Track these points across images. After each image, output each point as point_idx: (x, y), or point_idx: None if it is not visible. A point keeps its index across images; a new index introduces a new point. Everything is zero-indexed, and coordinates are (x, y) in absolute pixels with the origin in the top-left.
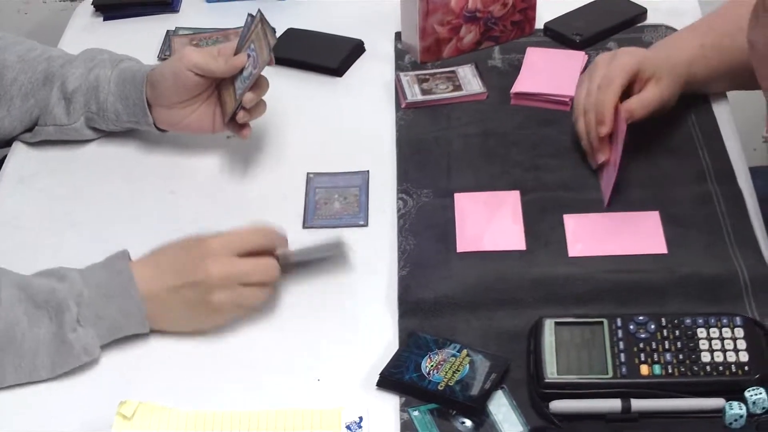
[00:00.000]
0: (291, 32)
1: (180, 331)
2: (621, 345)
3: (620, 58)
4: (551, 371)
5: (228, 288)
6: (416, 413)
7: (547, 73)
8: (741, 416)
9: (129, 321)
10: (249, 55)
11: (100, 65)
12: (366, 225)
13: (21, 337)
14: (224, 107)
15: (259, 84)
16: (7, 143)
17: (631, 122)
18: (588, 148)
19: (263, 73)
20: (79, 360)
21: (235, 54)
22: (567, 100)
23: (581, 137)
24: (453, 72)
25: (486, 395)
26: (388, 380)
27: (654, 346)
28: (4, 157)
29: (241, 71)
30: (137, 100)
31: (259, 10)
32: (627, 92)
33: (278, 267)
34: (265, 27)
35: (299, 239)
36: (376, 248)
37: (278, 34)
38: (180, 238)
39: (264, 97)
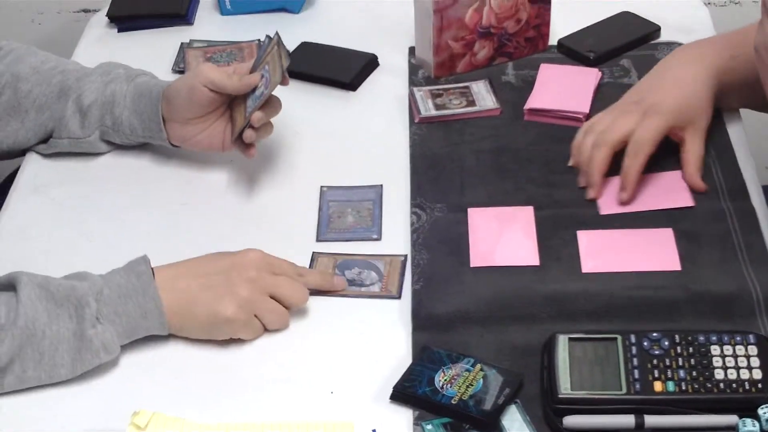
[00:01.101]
0: (305, 46)
1: (197, 334)
2: (635, 361)
3: (651, 118)
4: (565, 387)
5: (255, 290)
6: (429, 427)
7: (560, 89)
8: None
9: (147, 320)
10: (263, 76)
11: (116, 80)
12: (379, 239)
13: (41, 335)
14: (234, 126)
15: (270, 104)
16: (21, 153)
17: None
18: (581, 168)
19: (276, 91)
20: (99, 358)
21: (250, 73)
22: (581, 116)
23: (577, 152)
24: (467, 87)
25: (500, 410)
26: (402, 394)
27: (668, 362)
28: (18, 167)
29: (254, 90)
30: (152, 116)
31: (276, 33)
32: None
33: (308, 293)
34: (281, 49)
35: (315, 250)
36: None
37: (292, 48)
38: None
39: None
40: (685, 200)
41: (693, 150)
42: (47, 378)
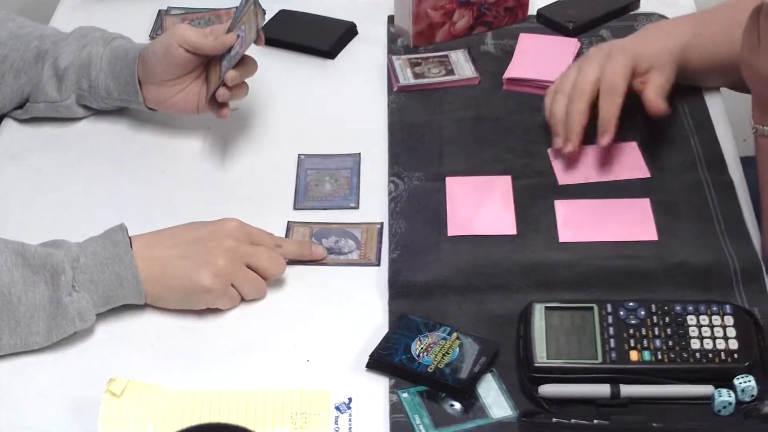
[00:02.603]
0: (283, 14)
1: (174, 304)
2: (611, 330)
3: (615, 58)
4: (541, 356)
5: (232, 259)
6: (405, 395)
7: (539, 59)
8: (730, 403)
9: (124, 288)
10: (239, 36)
11: (92, 43)
12: (357, 207)
13: (17, 301)
14: (209, 87)
15: (245, 64)
16: None
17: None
18: (557, 129)
19: (254, 55)
20: (74, 325)
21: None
22: None
23: (552, 115)
24: (445, 56)
25: (475, 378)
26: (378, 362)
27: (644, 332)
28: None
29: (229, 51)
30: (129, 78)
31: None
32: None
33: (285, 264)
34: (257, 9)
35: (291, 219)
36: None
37: (271, 16)
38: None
39: (255, 78)
40: (642, 172)
41: (654, 82)
42: (22, 345)
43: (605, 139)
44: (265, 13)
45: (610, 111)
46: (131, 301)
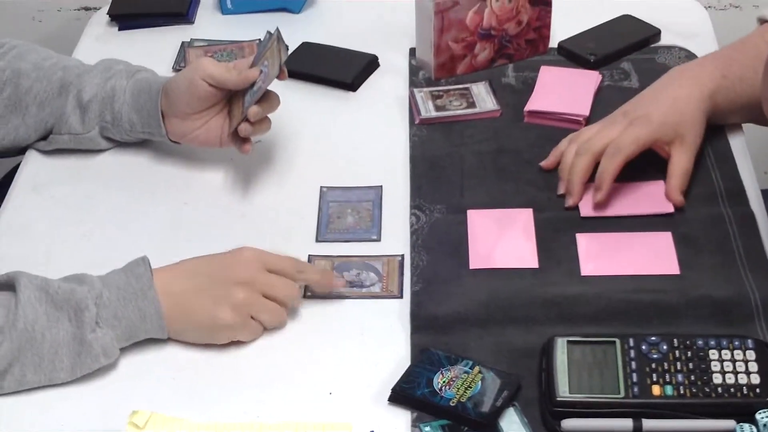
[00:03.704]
0: (305, 46)
1: (196, 339)
2: (633, 365)
3: (638, 129)
4: (563, 390)
5: (250, 291)
6: (428, 429)
7: (560, 91)
8: None
9: (146, 323)
10: (261, 71)
11: (116, 76)
12: (379, 240)
13: (41, 338)
14: (232, 121)
15: (268, 99)
16: (21, 151)
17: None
18: (562, 175)
19: (277, 90)
20: (98, 362)
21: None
22: (581, 119)
23: (562, 162)
24: (467, 89)
25: (498, 412)
26: (400, 395)
27: (666, 366)
28: (18, 165)
29: (252, 86)
30: (152, 111)
31: (277, 29)
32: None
33: (301, 291)
34: (280, 44)
35: (312, 252)
36: None
37: (293, 48)
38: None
39: (277, 111)
40: (665, 207)
41: (678, 163)
42: (46, 381)
43: (599, 196)
44: (288, 49)
45: (607, 169)
46: (154, 336)
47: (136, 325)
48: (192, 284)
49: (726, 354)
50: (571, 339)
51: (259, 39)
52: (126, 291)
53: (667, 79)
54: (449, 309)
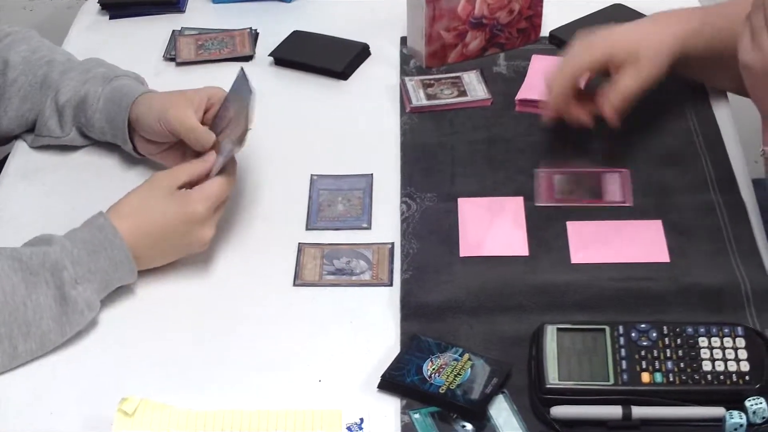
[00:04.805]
0: (296, 35)
1: (165, 260)
2: (623, 352)
3: (591, 40)
4: (553, 377)
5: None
6: (417, 416)
7: None
8: (741, 425)
9: (119, 270)
10: (223, 148)
11: (92, 80)
12: (369, 228)
13: (23, 307)
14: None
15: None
16: (4, 141)
17: (617, 113)
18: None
19: (267, 76)
20: (83, 317)
21: (220, 109)
22: None
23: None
24: (458, 77)
25: (487, 399)
26: (390, 382)
27: (656, 354)
28: (6, 156)
29: (223, 123)
30: (120, 124)
31: (251, 91)
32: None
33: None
34: (249, 109)
35: (302, 240)
36: None
37: (284, 36)
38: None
39: (269, 99)
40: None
41: (622, 81)
42: (39, 348)
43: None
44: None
45: (559, 68)
46: (127, 281)
47: (109, 274)
48: (153, 207)
49: (716, 341)
50: (560, 326)
51: (250, 28)
52: (92, 244)
53: (647, 17)
54: (439, 297)
